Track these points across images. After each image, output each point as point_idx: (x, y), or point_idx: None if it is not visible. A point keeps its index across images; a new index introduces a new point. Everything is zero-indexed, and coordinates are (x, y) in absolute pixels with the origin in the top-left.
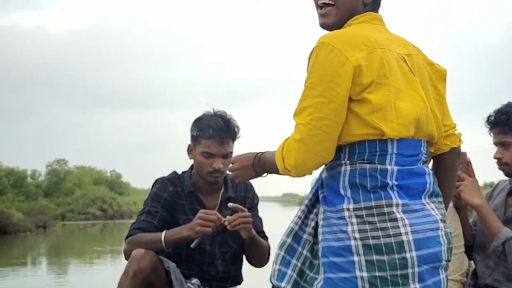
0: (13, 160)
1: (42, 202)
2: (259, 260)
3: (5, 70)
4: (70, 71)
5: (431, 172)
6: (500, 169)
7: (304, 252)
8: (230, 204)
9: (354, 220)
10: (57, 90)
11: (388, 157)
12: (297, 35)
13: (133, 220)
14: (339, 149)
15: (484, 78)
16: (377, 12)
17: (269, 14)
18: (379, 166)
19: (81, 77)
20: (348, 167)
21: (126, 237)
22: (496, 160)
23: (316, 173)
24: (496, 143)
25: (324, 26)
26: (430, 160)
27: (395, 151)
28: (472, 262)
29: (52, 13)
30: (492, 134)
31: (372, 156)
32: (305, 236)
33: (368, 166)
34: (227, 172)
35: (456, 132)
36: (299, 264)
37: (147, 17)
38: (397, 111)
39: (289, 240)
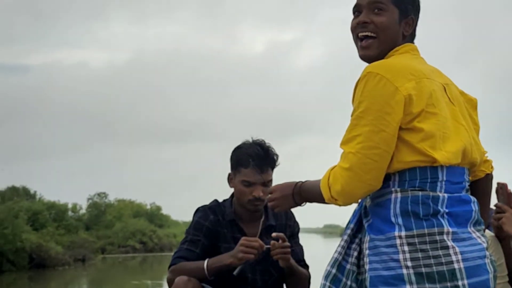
0: (54, 194)
1: (82, 235)
2: None
3: (47, 106)
4: (111, 105)
5: (475, 200)
6: None
7: (349, 282)
8: (274, 234)
9: (406, 248)
10: (98, 124)
11: (439, 184)
12: (334, 65)
13: (172, 253)
14: (388, 177)
15: None
16: (413, 42)
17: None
18: (431, 193)
19: (122, 111)
20: (399, 195)
21: (169, 266)
22: None
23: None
24: None
25: (365, 58)
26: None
27: (444, 178)
28: None
29: (94, 48)
30: None
31: (423, 183)
32: (348, 266)
33: (420, 193)
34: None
35: (489, 158)
36: None
37: (189, 48)
38: (445, 139)
39: (334, 271)
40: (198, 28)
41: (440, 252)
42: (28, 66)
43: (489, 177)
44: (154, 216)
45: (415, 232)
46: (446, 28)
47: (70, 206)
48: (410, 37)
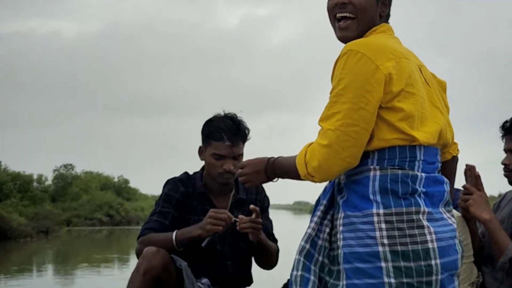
0: (21, 165)
1: (47, 207)
2: (267, 262)
3: (17, 75)
4: (82, 76)
5: (448, 181)
6: (505, 175)
7: (321, 258)
8: (251, 206)
9: (383, 225)
10: (68, 95)
11: (417, 163)
12: (313, 43)
13: (139, 227)
14: (366, 154)
15: (498, 89)
16: (388, 23)
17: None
18: (410, 172)
19: (92, 83)
20: (378, 172)
21: (138, 237)
22: (503, 167)
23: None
24: (506, 150)
25: (344, 39)
26: None
27: (422, 158)
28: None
29: (66, 18)
30: (504, 140)
31: (402, 162)
32: (320, 242)
33: (400, 172)
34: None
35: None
36: (317, 270)
37: (164, 22)
38: (423, 120)
39: (307, 246)
40: (174, 1)
41: (416, 231)
42: None
43: (455, 159)
44: (122, 189)
45: (393, 210)
46: (419, 10)
47: (35, 177)
48: (386, 18)
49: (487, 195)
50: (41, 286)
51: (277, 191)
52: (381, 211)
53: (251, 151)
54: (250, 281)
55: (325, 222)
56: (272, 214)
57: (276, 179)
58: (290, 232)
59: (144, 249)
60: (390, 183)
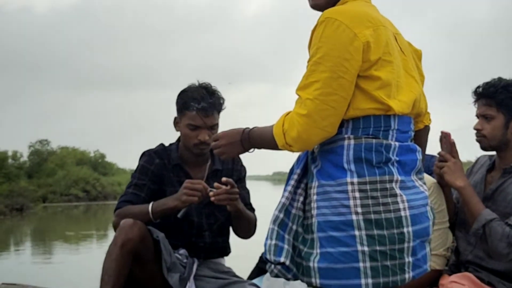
0: None
1: (22, 184)
2: (245, 232)
3: None
4: (54, 51)
5: (420, 149)
6: (477, 140)
7: (295, 227)
8: (223, 179)
9: (357, 194)
10: (42, 70)
11: (391, 132)
12: (294, 13)
13: (116, 202)
14: (341, 123)
15: (473, 57)
16: None
17: None
18: (384, 142)
19: (66, 57)
20: (352, 141)
21: (115, 210)
22: (475, 132)
23: None
24: (478, 115)
25: (316, 7)
26: None
27: (396, 127)
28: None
29: None
30: (476, 105)
31: (377, 131)
32: (293, 211)
33: (374, 141)
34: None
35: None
36: (291, 239)
37: None
38: (399, 88)
39: (281, 215)
40: None
41: (389, 200)
42: None
43: (427, 128)
44: (98, 164)
45: (367, 179)
46: None
47: (10, 153)
48: None
49: (462, 161)
50: (19, 264)
51: (257, 161)
52: (355, 179)
53: (228, 123)
54: (228, 250)
55: (299, 191)
56: (252, 185)
57: (252, 149)
58: (269, 202)
59: (121, 221)
60: (364, 152)
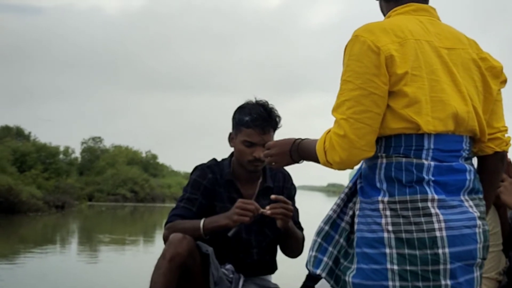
0: (51, 137)
1: (68, 181)
2: (293, 250)
3: (57, 48)
4: (119, 51)
5: (472, 169)
6: None
7: (341, 240)
8: (273, 196)
9: (388, 212)
10: (105, 69)
11: (425, 152)
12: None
13: (165, 205)
14: (376, 141)
15: None
16: (425, 2)
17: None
18: (415, 160)
19: (129, 58)
20: (384, 160)
21: (166, 223)
22: None
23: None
24: None
25: None
26: (473, 156)
27: (432, 146)
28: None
29: None
30: None
31: (407, 150)
32: (342, 224)
33: (404, 160)
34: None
35: (506, 136)
36: (335, 252)
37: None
38: (433, 105)
39: (326, 228)
40: None
41: (423, 219)
42: (40, 8)
43: (498, 155)
44: (149, 165)
45: (396, 198)
46: None
47: (62, 149)
48: None
49: None
50: (64, 261)
51: (311, 172)
52: (386, 198)
53: (288, 132)
54: (274, 268)
55: (350, 205)
56: (305, 195)
57: (301, 161)
58: (322, 214)
59: (170, 235)
60: (394, 171)
